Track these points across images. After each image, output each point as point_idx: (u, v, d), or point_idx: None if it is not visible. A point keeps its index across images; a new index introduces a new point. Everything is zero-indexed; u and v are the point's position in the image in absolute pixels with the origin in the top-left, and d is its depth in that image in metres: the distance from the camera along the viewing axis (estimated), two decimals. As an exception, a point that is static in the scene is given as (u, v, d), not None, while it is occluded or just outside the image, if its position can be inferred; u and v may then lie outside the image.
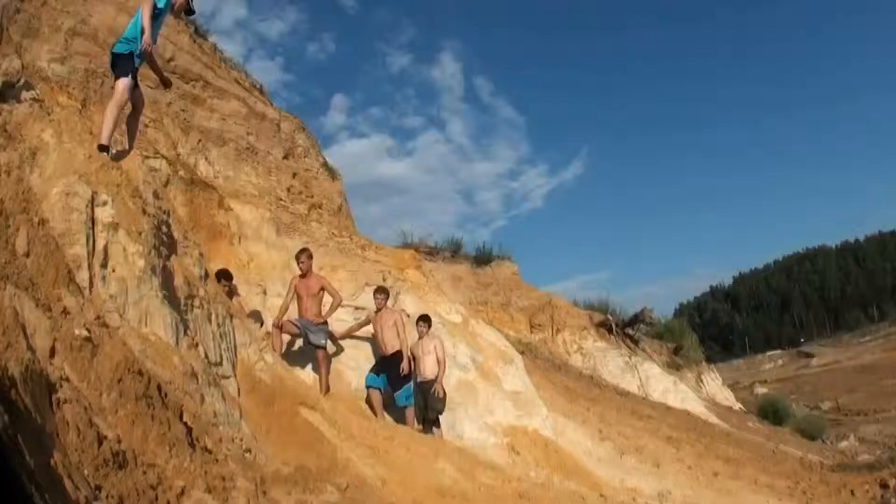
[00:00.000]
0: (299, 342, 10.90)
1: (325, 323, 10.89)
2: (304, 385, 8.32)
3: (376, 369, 11.12)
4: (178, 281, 6.79)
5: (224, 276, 10.16)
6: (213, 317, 7.14)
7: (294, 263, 11.41)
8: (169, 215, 7.41)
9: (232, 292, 10.15)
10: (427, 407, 11.13)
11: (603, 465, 13.82)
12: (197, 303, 6.94)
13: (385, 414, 10.74)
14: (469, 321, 14.58)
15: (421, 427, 10.93)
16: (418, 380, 11.34)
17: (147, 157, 10.27)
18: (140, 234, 6.24)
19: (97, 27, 12.21)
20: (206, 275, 7.79)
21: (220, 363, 6.91)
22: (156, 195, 7.24)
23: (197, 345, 6.49)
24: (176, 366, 5.39)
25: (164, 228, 7.06)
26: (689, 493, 13.69)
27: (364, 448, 7.44)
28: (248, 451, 5.44)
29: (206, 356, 6.61)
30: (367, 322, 11.78)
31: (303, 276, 10.99)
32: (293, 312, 10.89)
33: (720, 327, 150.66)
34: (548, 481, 10.87)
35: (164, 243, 6.88)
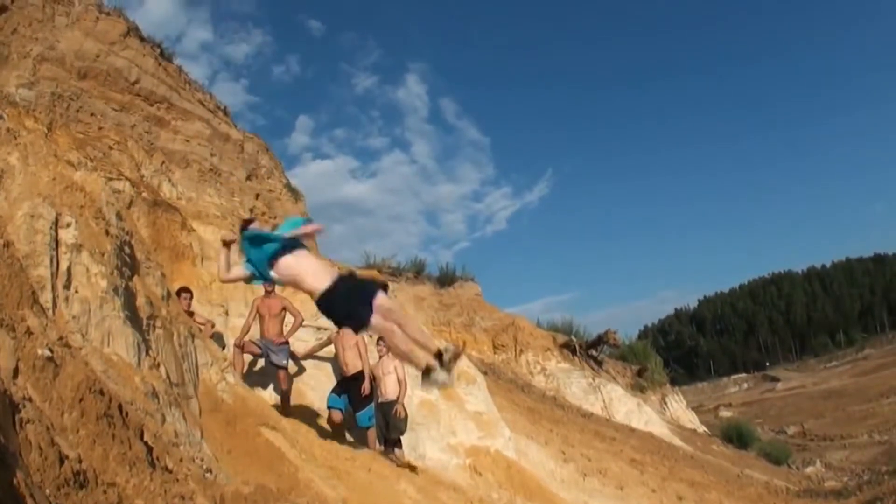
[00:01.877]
0: (261, 362, 10.92)
1: (287, 343, 10.90)
2: (265, 405, 8.32)
3: (338, 390, 11.09)
4: (141, 301, 6.83)
5: (185, 292, 10.26)
6: (175, 336, 7.18)
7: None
8: (131, 236, 7.47)
9: (191, 310, 10.23)
10: (388, 427, 11.07)
11: (566, 487, 13.86)
12: (159, 323, 6.97)
13: (347, 434, 10.78)
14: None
15: (382, 448, 10.94)
16: (379, 400, 11.29)
17: (111, 179, 10.36)
18: (103, 254, 6.29)
19: (65, 52, 12.38)
20: (169, 295, 7.83)
21: (182, 383, 6.92)
22: (119, 216, 7.29)
23: (159, 364, 6.49)
24: (137, 386, 5.43)
25: (127, 249, 7.11)
26: None
27: (325, 469, 7.43)
28: (209, 470, 5.48)
29: (168, 376, 6.60)
30: (328, 342, 11.76)
31: (266, 296, 11.01)
32: (255, 333, 10.92)
33: (684, 350, 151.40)
34: (510, 502, 10.95)
35: (127, 264, 6.93)
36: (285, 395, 10.41)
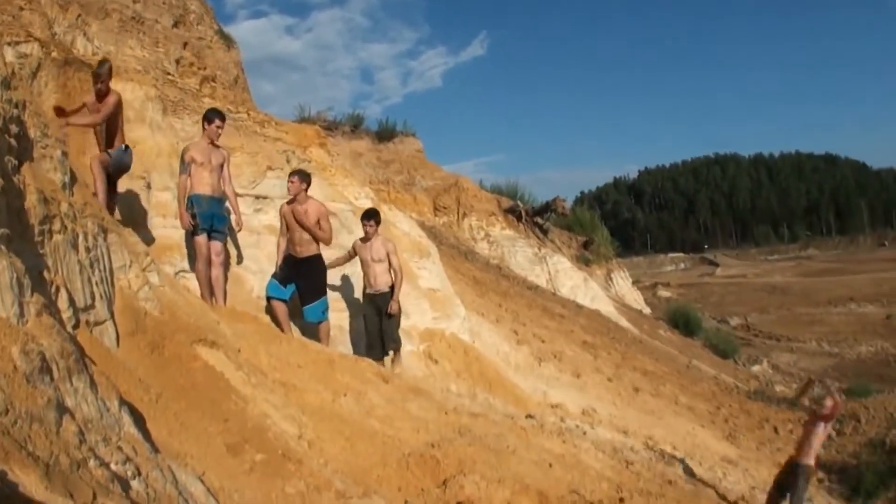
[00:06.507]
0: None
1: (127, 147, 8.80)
2: (199, 310, 6.73)
3: (280, 276, 9.35)
4: (31, 200, 4.90)
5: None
6: (81, 239, 5.37)
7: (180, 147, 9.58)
8: (23, 108, 5.59)
9: None
10: (382, 332, 9.76)
11: (522, 374, 13.28)
12: (57, 226, 5.10)
13: (292, 326, 9.27)
14: (380, 207, 13.38)
15: (369, 358, 9.31)
16: (367, 291, 9.98)
17: (17, 43, 9.20)
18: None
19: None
20: (73, 180, 6.00)
21: (92, 304, 5.32)
22: (5, 84, 5.39)
23: (58, 290, 4.91)
24: (17, 366, 3.69)
25: (14, 128, 5.17)
26: (614, 412, 13.32)
27: (278, 390, 6.23)
28: (129, 460, 3.92)
29: (73, 301, 5.05)
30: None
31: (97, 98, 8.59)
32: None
33: (621, 222, 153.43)
34: (471, 394, 10.23)
35: (12, 149, 5.01)
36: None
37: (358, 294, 10.57)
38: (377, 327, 9.78)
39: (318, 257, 9.43)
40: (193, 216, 8.55)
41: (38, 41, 9.68)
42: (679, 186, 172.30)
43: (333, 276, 10.29)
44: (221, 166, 8.92)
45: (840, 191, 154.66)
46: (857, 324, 42.95)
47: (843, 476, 12.27)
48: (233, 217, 9.19)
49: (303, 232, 9.28)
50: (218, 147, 9.00)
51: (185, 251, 9.14)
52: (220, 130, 8.98)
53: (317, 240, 9.38)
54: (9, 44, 8.95)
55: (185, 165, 8.74)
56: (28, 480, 3.02)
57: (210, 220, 8.66)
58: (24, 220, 4.83)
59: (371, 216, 10.10)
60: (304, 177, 9.57)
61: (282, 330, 8.88)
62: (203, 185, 8.70)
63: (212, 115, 9.06)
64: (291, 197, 9.50)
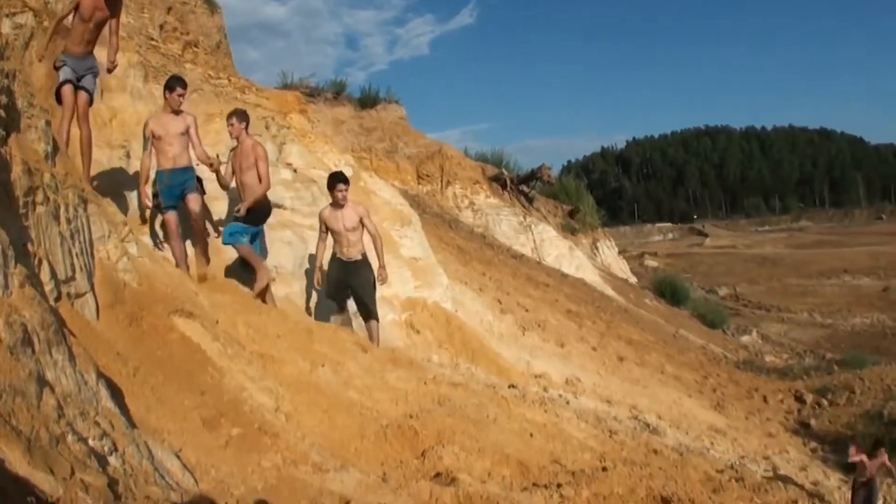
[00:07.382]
0: None
1: (92, 57, 8.78)
2: (177, 280, 6.75)
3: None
4: (17, 171, 4.92)
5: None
6: (62, 210, 5.39)
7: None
8: (13, 79, 5.58)
9: None
10: (357, 302, 9.39)
11: (505, 343, 13.30)
12: (40, 197, 5.11)
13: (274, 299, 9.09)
14: (361, 175, 13.51)
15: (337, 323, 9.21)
16: (337, 256, 9.46)
17: (14, 14, 9.45)
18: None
19: None
20: (55, 149, 5.99)
21: (73, 276, 5.38)
22: None
23: (40, 262, 4.98)
24: (1, 338, 3.70)
25: (4, 98, 5.19)
26: (598, 382, 13.34)
27: (256, 362, 6.26)
28: (106, 435, 3.95)
29: (54, 273, 5.11)
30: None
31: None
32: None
33: (608, 191, 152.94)
34: (453, 365, 10.24)
35: (0, 121, 5.07)
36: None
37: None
38: (346, 296, 9.45)
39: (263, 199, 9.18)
40: (156, 194, 8.55)
41: (32, 11, 9.74)
42: (668, 157, 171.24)
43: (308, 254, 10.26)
44: (185, 133, 8.73)
45: (835, 164, 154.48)
46: (852, 295, 42.41)
47: (837, 447, 12.26)
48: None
49: (242, 175, 9.11)
50: (180, 113, 8.78)
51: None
52: (181, 98, 8.76)
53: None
54: (7, 15, 9.14)
55: (146, 141, 8.68)
56: (12, 456, 3.05)
57: (178, 191, 8.57)
58: (9, 192, 4.86)
59: (345, 180, 9.53)
60: (242, 116, 9.25)
61: (251, 264, 8.86)
62: (165, 158, 8.60)
63: (173, 83, 8.85)
64: (235, 141, 9.26)
